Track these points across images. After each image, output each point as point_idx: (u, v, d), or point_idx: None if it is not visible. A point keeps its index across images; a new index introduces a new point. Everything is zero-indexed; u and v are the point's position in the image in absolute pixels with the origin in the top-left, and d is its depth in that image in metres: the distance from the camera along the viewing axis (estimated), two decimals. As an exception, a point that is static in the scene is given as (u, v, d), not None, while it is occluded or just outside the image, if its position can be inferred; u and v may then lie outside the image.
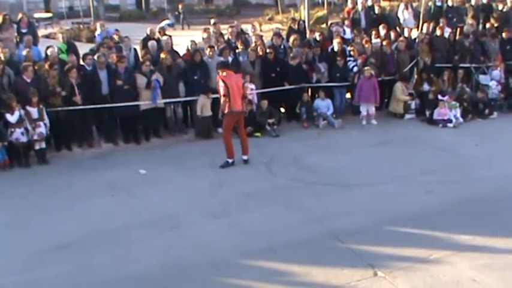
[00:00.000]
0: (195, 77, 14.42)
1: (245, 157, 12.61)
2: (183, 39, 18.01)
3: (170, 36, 16.75)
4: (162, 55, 14.62)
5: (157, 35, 16.62)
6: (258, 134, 14.63)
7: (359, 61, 15.76)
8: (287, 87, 15.34)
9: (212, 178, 11.82)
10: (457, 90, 16.22)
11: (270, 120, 14.83)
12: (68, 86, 13.28)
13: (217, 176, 11.91)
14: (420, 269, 8.03)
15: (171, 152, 13.63)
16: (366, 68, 15.50)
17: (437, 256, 8.38)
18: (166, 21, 35.13)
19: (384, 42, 16.39)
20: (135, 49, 15.97)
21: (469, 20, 18.51)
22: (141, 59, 15.03)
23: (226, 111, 12.16)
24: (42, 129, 12.74)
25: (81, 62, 14.56)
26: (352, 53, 15.97)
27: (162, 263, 8.42)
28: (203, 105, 14.20)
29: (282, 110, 16.21)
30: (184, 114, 15.55)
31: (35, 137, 12.69)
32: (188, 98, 14.50)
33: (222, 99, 12.12)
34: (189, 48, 15.75)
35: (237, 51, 15.91)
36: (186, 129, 15.19)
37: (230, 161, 12.45)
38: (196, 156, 13.13)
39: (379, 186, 11.12)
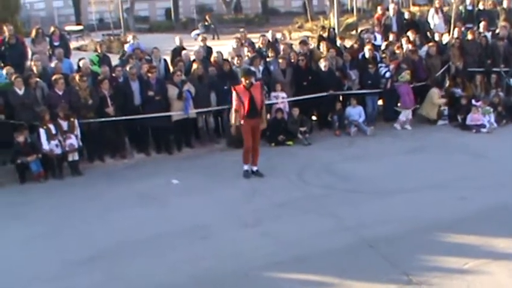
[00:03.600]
0: (225, 87, 14.27)
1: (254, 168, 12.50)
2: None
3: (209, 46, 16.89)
4: (194, 65, 14.66)
5: (200, 44, 16.80)
6: (289, 142, 14.59)
7: (391, 66, 15.63)
8: (318, 94, 15.21)
9: (244, 187, 11.82)
10: (491, 95, 15.97)
11: (302, 129, 14.77)
12: (99, 98, 13.41)
13: (249, 185, 11.91)
14: (456, 278, 7.92)
15: (203, 162, 13.65)
16: (404, 73, 15.42)
17: (473, 264, 8.26)
18: (196, 31, 35.46)
19: (411, 48, 16.24)
20: (165, 60, 16.04)
21: (502, 23, 18.23)
22: (171, 70, 15.10)
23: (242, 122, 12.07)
24: (72, 140, 12.86)
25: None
26: (384, 59, 15.86)
27: (194, 272, 8.42)
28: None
29: (314, 118, 16.14)
30: (216, 124, 15.54)
31: (66, 149, 12.82)
32: (220, 107, 14.50)
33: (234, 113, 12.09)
34: (216, 58, 15.57)
35: (267, 59, 15.89)
36: (218, 139, 15.18)
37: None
38: (228, 166, 13.04)
39: (413, 193, 10.99)
